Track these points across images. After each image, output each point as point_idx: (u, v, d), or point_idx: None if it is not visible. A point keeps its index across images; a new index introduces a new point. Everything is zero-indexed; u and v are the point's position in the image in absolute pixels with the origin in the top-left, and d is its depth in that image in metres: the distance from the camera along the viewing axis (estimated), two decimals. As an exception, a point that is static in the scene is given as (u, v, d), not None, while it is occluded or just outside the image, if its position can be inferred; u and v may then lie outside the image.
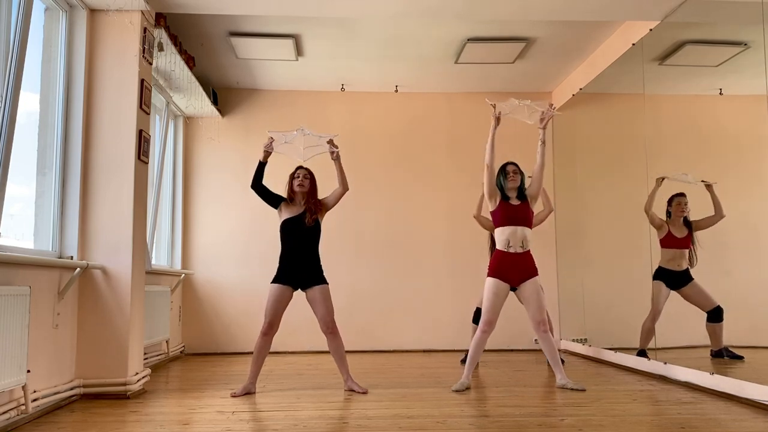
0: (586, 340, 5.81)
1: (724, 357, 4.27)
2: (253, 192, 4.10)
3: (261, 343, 3.95)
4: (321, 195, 4.18)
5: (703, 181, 4.41)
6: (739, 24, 4.15)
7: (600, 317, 5.69)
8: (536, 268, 4.15)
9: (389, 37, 5.33)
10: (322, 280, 4.03)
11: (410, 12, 4.34)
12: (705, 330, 4.35)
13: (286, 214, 4.06)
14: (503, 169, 4.26)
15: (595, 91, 5.76)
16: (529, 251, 4.14)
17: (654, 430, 2.87)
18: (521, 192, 4.23)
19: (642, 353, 4.66)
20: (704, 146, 4.60)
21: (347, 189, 4.17)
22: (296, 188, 4.06)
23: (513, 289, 4.17)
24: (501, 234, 4.15)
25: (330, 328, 3.98)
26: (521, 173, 4.26)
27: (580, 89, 5.95)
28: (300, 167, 4.13)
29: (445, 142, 6.72)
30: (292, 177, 4.10)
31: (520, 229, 4.11)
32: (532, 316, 4.09)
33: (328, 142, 4.15)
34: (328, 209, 4.16)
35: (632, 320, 4.89)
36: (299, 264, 4.00)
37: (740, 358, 4.23)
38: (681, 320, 4.58)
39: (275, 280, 4.00)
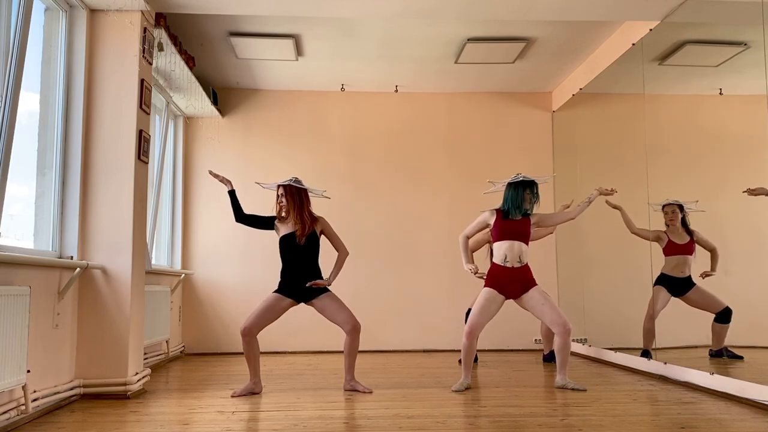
0: (586, 340, 5.81)
1: (723, 357, 4.27)
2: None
3: (244, 344, 3.92)
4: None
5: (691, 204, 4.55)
6: (739, 24, 4.15)
7: (600, 317, 5.69)
8: (534, 280, 4.11)
9: (389, 37, 5.33)
10: (326, 289, 4.03)
11: (410, 12, 4.34)
12: (705, 330, 4.35)
13: (283, 230, 4.06)
14: (521, 191, 4.11)
15: (595, 91, 5.76)
16: (526, 265, 4.12)
17: (654, 430, 2.87)
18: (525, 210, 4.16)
19: (646, 353, 4.66)
20: (704, 146, 4.60)
21: (347, 254, 4.17)
22: (281, 210, 4.07)
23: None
24: (498, 248, 4.12)
25: (357, 327, 3.99)
26: (533, 197, 4.13)
27: (580, 89, 5.95)
28: (279, 185, 4.08)
29: (445, 142, 6.71)
30: (276, 198, 4.10)
31: (517, 244, 4.07)
32: (553, 321, 3.98)
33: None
34: (323, 229, 4.12)
35: (632, 320, 4.90)
36: (300, 277, 3.99)
37: (740, 358, 4.23)
38: (681, 320, 4.58)
39: (276, 291, 4.01)
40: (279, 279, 4.05)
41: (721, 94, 4.43)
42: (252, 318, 3.91)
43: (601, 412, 3.25)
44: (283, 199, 4.05)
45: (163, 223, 6.16)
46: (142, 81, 4.07)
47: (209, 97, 5.97)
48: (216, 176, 4.18)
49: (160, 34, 4.48)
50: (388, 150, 6.68)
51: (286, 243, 4.03)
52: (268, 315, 3.94)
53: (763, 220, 4.01)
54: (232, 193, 4.12)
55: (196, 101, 5.90)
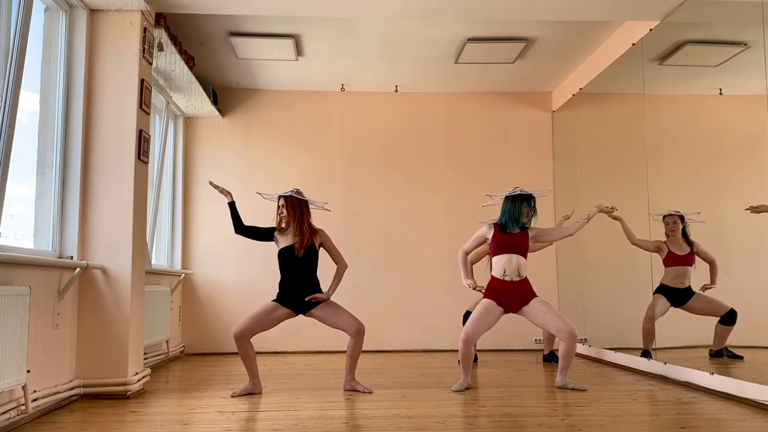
0: (586, 340, 5.81)
1: (723, 357, 4.27)
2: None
3: (237, 348, 3.89)
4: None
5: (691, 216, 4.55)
6: (739, 24, 4.15)
7: (600, 317, 5.69)
8: (534, 292, 4.09)
9: (389, 37, 5.33)
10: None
11: (410, 12, 4.34)
12: (705, 330, 4.34)
13: (282, 243, 4.06)
14: (518, 205, 4.08)
15: (595, 91, 5.76)
16: (525, 278, 4.09)
17: (654, 430, 2.87)
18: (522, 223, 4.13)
19: (646, 353, 4.66)
20: (704, 146, 4.60)
21: (346, 266, 4.15)
22: (281, 221, 4.07)
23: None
24: (497, 262, 4.10)
25: (361, 330, 3.98)
26: (531, 211, 4.11)
27: (580, 89, 5.95)
28: (280, 196, 4.09)
29: (444, 142, 6.71)
30: (277, 209, 4.10)
31: (515, 257, 4.05)
32: (558, 328, 3.94)
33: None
34: (322, 241, 4.10)
35: (632, 320, 4.90)
36: (298, 290, 3.99)
37: (740, 358, 4.22)
38: (681, 320, 4.57)
39: (275, 300, 4.01)
40: (278, 283, 4.05)
41: (721, 94, 4.43)
42: (246, 322, 3.90)
43: (601, 412, 3.25)
44: (284, 210, 4.04)
45: (163, 223, 6.15)
46: (142, 81, 4.07)
47: (209, 97, 5.97)
48: (216, 187, 4.17)
49: (160, 34, 4.48)
50: (387, 150, 6.67)
51: (285, 255, 4.02)
52: (262, 322, 3.93)
53: (764, 221, 4.01)
54: (231, 205, 4.11)
55: (196, 101, 5.90)
